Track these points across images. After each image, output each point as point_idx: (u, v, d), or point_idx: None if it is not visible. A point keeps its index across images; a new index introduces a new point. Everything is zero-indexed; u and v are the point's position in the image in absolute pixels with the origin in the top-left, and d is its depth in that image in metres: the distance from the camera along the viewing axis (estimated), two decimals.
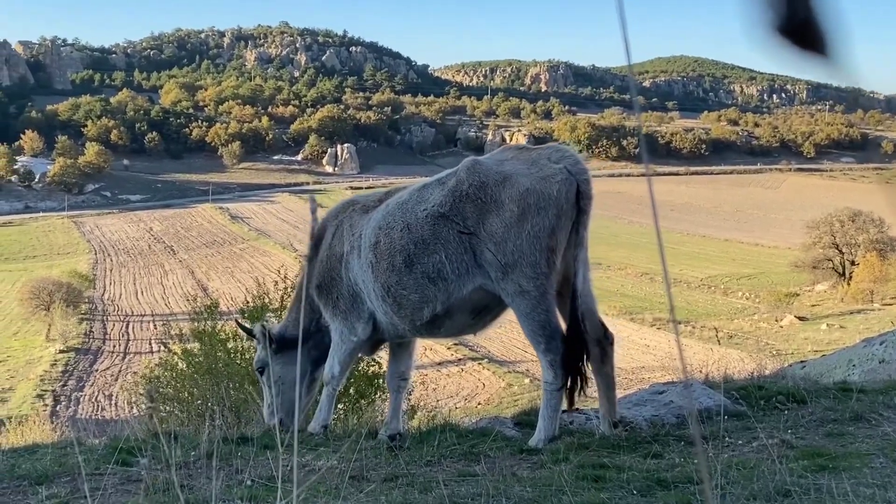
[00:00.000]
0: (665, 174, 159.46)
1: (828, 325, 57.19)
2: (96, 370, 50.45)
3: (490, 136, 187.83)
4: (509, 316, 6.59)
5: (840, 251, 68.34)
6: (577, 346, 6.09)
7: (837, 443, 5.67)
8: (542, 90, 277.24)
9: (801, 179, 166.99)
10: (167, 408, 12.45)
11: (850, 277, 65.64)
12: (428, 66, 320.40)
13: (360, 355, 8.04)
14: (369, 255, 6.57)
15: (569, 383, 6.12)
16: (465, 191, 6.16)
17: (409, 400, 13.60)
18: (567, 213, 6.03)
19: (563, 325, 6.16)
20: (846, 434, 5.90)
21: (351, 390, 11.79)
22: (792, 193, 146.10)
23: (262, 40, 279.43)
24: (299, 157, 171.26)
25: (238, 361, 12.02)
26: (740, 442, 5.82)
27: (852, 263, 66.81)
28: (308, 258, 7.43)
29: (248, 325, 8.57)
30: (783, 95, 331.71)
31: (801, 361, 16.78)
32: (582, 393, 6.27)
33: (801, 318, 60.05)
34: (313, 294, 7.16)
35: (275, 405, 7.24)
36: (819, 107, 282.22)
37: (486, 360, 50.78)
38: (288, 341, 7.41)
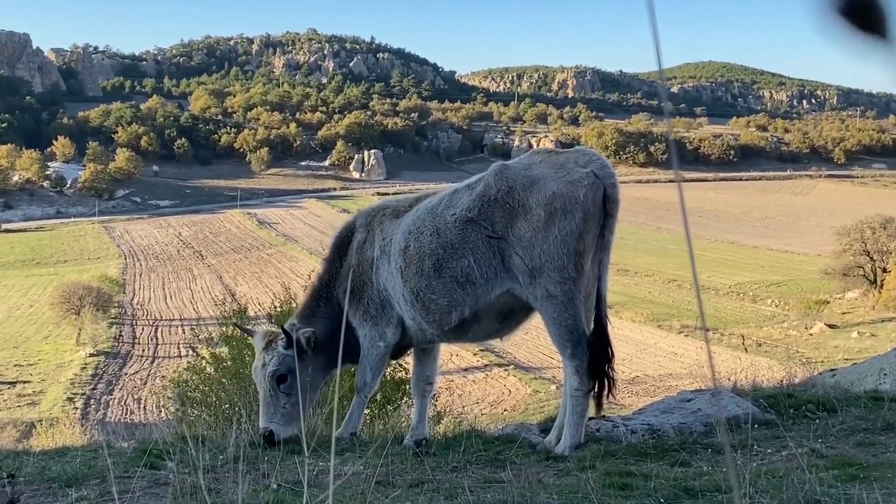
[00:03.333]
0: (693, 180, 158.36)
1: (859, 333, 56.51)
2: (125, 374, 50.92)
3: (517, 142, 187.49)
4: (535, 322, 6.57)
5: (871, 258, 67.48)
6: (603, 350, 6.08)
7: (868, 452, 5.60)
8: (569, 96, 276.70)
9: (831, 186, 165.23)
10: (195, 411, 12.53)
11: (882, 285, 64.79)
12: (455, 72, 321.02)
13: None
14: (399, 259, 6.56)
15: (595, 388, 6.12)
16: (493, 195, 6.17)
17: (435, 406, 13.61)
18: (594, 216, 6.02)
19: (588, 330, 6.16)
20: (877, 444, 5.82)
21: (377, 396, 11.81)
22: (822, 200, 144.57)
23: (290, 47, 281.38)
24: (326, 163, 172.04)
25: None
26: (769, 451, 5.76)
27: (884, 271, 65.92)
28: (329, 260, 7.32)
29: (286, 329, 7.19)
30: (813, 101, 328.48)
31: (832, 370, 16.59)
32: (610, 397, 6.26)
33: (831, 326, 59.40)
34: (341, 298, 7.11)
35: (299, 412, 7.02)
36: (850, 112, 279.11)
37: (512, 366, 50.68)
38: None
